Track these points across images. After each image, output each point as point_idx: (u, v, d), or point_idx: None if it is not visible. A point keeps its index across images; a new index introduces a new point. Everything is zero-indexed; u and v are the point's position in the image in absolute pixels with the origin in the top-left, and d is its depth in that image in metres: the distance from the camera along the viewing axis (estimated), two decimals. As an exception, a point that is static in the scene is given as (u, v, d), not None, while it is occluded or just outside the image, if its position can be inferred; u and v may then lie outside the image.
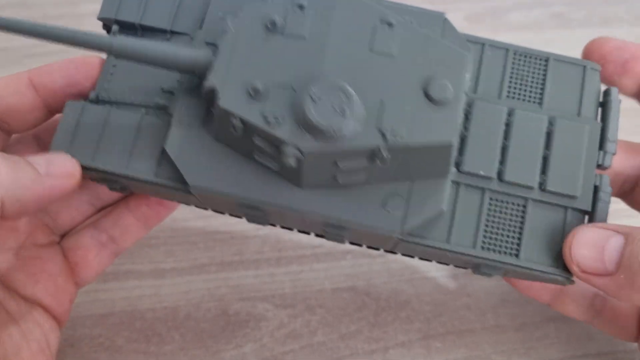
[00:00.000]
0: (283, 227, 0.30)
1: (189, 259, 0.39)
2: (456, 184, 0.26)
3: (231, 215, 0.30)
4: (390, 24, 0.25)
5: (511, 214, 0.26)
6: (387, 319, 0.37)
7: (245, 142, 0.25)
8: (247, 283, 0.38)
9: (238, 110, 0.24)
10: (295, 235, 0.40)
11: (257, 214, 0.27)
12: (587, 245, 0.25)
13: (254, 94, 0.24)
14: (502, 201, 0.26)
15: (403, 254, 0.29)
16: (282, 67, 0.24)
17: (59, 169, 0.26)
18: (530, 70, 0.28)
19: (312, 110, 0.23)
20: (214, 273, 0.39)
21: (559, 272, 0.26)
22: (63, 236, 0.34)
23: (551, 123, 0.27)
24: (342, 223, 0.25)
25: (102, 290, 0.37)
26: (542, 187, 0.26)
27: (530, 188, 0.26)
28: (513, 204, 0.26)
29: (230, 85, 0.24)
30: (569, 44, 0.55)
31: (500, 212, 0.26)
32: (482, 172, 0.26)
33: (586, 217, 0.27)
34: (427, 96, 0.24)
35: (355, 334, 0.37)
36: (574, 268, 0.25)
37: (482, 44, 0.28)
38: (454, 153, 0.26)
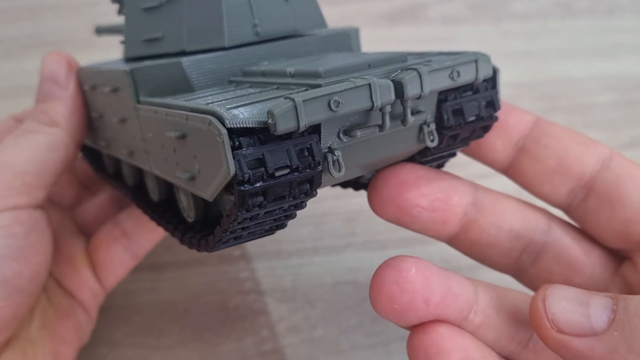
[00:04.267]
0: None
1: (187, 253, 0.38)
2: None
3: None
4: None
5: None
6: (388, 312, 0.37)
7: None
8: (246, 277, 0.38)
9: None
10: (294, 229, 0.40)
11: None
12: (568, 299, 0.21)
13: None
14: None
15: None
16: None
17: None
18: None
19: None
20: (213, 267, 0.38)
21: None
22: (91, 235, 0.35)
23: None
24: None
25: (100, 284, 0.37)
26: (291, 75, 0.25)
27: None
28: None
29: None
30: (573, 34, 0.55)
31: None
32: None
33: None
34: None
35: (356, 328, 0.36)
36: (546, 324, 0.21)
37: None
38: None
